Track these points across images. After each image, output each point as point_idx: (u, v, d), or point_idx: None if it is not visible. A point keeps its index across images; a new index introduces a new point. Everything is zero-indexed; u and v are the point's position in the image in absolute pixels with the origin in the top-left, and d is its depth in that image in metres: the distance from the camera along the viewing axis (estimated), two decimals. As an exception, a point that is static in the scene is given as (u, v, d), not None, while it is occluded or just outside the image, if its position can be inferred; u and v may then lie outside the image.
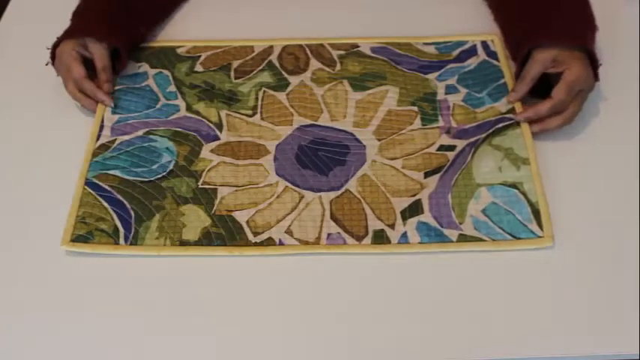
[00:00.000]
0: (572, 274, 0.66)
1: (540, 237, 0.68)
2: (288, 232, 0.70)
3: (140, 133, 0.79)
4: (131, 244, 0.69)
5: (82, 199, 0.72)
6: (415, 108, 0.80)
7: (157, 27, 0.92)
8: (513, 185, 0.72)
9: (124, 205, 0.72)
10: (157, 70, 0.86)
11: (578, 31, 0.77)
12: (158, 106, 0.82)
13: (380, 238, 0.69)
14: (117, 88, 0.83)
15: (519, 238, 0.68)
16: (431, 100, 0.81)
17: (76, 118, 0.82)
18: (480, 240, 0.68)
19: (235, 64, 0.86)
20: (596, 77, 0.75)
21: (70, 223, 0.70)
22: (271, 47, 0.88)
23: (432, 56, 0.86)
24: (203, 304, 0.65)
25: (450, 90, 0.82)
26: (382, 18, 0.92)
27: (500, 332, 0.62)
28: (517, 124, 0.76)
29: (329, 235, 0.69)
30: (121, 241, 0.69)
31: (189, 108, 0.81)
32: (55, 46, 0.82)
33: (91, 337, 0.64)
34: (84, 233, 0.70)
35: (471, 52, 0.86)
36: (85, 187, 0.74)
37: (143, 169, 0.75)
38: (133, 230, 0.70)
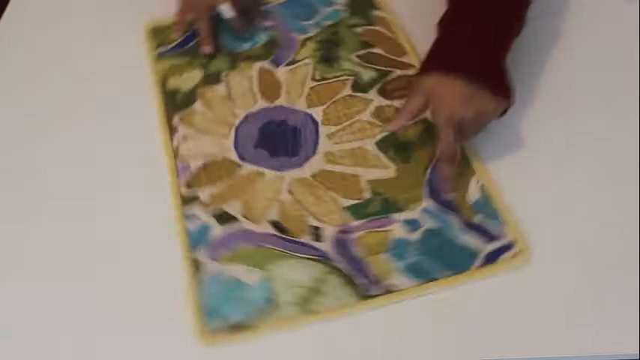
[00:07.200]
0: (572, 274, 0.66)
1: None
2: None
3: None
4: None
5: None
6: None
7: None
8: None
9: None
10: None
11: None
12: None
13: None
14: None
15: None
16: None
17: (76, 119, 0.82)
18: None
19: None
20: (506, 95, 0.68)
21: None
22: None
23: None
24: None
25: None
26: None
27: (500, 332, 0.62)
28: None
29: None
30: None
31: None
32: None
33: (92, 338, 0.64)
34: None
35: None
36: None
37: None
38: None
